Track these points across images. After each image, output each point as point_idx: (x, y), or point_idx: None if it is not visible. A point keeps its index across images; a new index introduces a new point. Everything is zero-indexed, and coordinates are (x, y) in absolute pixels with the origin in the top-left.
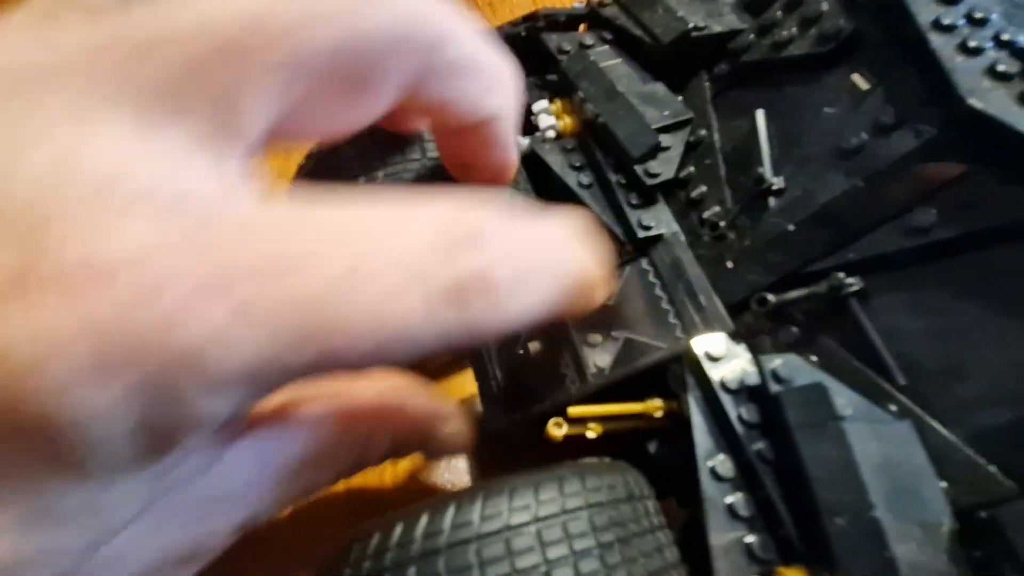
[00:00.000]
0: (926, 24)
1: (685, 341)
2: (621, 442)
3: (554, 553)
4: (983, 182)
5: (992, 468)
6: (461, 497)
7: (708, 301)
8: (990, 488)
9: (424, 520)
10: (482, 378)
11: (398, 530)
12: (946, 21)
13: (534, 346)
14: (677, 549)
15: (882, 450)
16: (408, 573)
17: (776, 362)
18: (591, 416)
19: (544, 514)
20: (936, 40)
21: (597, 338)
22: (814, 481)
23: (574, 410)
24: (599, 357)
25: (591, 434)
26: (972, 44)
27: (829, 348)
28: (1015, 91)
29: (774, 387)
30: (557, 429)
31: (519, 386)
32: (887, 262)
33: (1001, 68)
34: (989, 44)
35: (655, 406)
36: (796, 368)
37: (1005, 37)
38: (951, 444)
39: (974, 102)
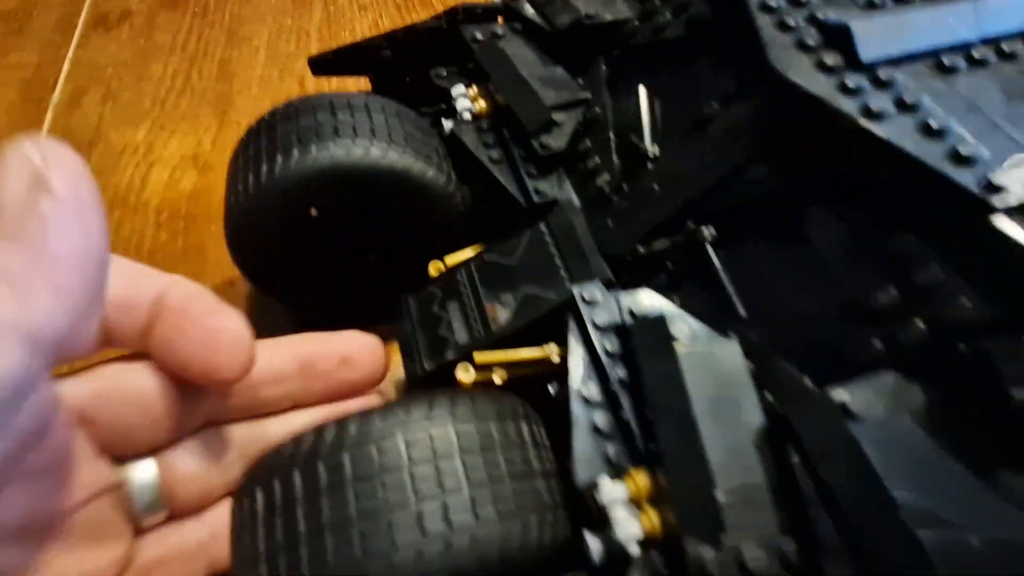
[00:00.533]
0: (755, 5)
1: (571, 291)
2: (530, 387)
3: (417, 454)
4: (806, 146)
5: (806, 379)
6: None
7: (592, 256)
8: (799, 394)
9: (331, 430)
10: (404, 341)
11: (309, 438)
12: (771, 3)
13: (446, 305)
14: (555, 465)
15: (709, 367)
16: (317, 467)
17: (629, 299)
18: (496, 362)
19: (411, 425)
20: (760, 19)
21: (501, 294)
22: (648, 394)
23: (480, 356)
24: (501, 311)
25: (497, 379)
26: (788, 22)
27: (690, 290)
28: (815, 60)
29: (627, 319)
30: (464, 374)
31: (433, 341)
32: (732, 213)
33: (808, 41)
34: (802, 21)
35: (552, 351)
36: (645, 303)
37: (817, 15)
38: (773, 359)
39: (781, 69)
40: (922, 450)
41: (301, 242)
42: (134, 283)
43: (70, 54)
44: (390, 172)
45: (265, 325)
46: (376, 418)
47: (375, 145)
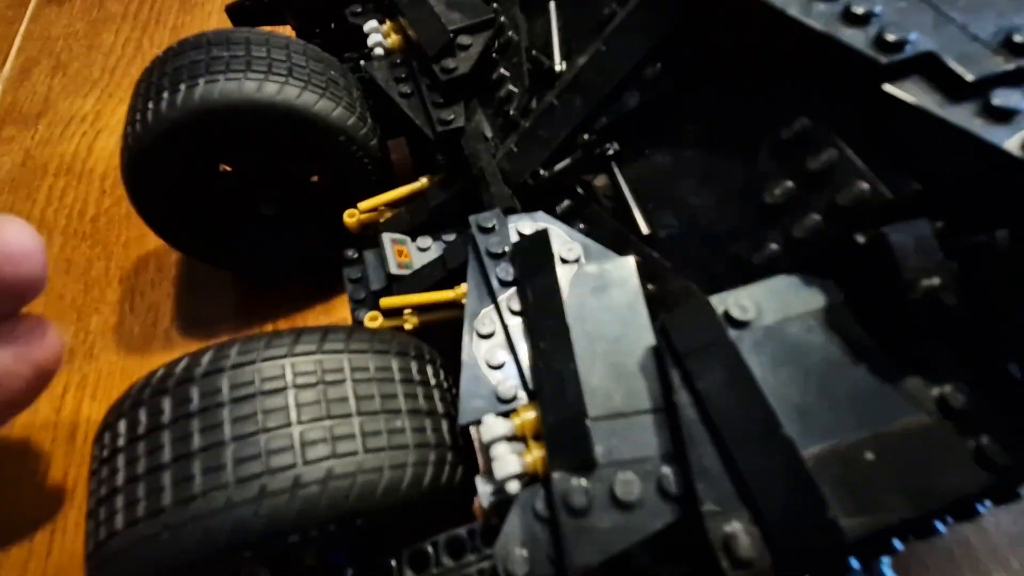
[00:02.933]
0: None
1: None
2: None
3: (303, 380)
4: (697, 36)
5: (696, 290)
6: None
7: (494, 183)
8: (682, 304)
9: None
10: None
11: (205, 357)
12: None
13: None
14: (453, 406)
15: (599, 286)
16: (190, 391)
17: (520, 220)
18: (404, 305)
19: (299, 351)
20: None
21: (415, 241)
22: (529, 318)
23: (386, 301)
24: (410, 251)
25: (408, 325)
26: None
27: (594, 212)
28: None
29: (514, 239)
30: (372, 322)
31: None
32: (633, 122)
33: None
34: None
35: (463, 292)
36: (535, 221)
37: None
38: (667, 273)
39: None
40: (817, 356)
41: (206, 189)
42: None
43: (22, 28)
44: (302, 113)
45: (207, 288)
46: (261, 342)
47: (290, 84)
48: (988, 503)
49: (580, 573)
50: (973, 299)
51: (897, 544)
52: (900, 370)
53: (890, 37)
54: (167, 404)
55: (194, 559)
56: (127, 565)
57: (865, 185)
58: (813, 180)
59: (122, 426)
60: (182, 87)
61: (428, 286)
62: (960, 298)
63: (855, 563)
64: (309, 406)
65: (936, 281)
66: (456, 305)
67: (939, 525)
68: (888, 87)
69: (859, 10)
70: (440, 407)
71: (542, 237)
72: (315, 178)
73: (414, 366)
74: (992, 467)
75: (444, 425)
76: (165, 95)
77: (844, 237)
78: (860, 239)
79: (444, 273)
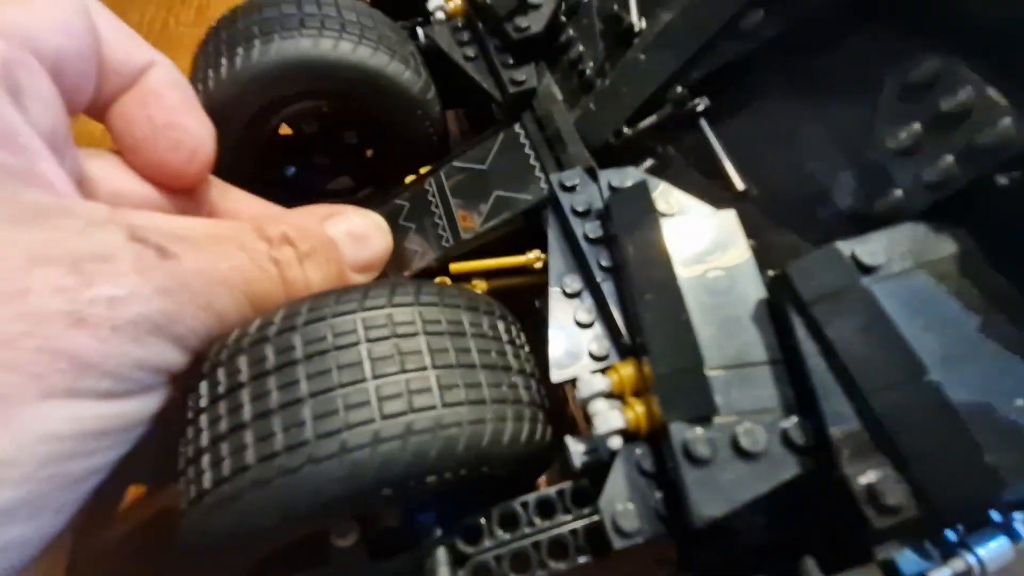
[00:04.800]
0: None
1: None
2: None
3: (375, 334)
4: None
5: (806, 243)
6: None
7: (572, 143)
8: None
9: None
10: None
11: (256, 322)
12: None
13: (416, 216)
14: (529, 363)
15: (702, 239)
16: (264, 349)
17: (610, 175)
18: (473, 271)
19: (369, 306)
20: None
21: (473, 200)
22: (630, 269)
23: (456, 266)
24: (474, 218)
25: (477, 291)
26: None
27: (682, 170)
28: None
29: (607, 194)
30: None
31: (399, 253)
32: (727, 76)
33: None
34: None
35: (535, 257)
36: (626, 176)
37: None
38: (779, 231)
39: None
40: (951, 307)
41: (267, 146)
42: (131, 40)
43: None
44: (359, 68)
45: None
46: (331, 298)
47: (344, 39)
48: None
49: (704, 523)
50: None
51: None
52: None
53: None
54: (243, 363)
55: (278, 517)
56: (218, 519)
57: (1008, 122)
58: (947, 121)
59: (203, 387)
60: (256, 43)
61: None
62: None
63: (995, 516)
64: (383, 360)
65: None
66: (526, 271)
67: None
68: None
69: None
70: (514, 363)
71: (641, 189)
72: (370, 152)
73: (485, 321)
74: None
75: (520, 381)
76: (224, 61)
77: (981, 180)
78: (1003, 181)
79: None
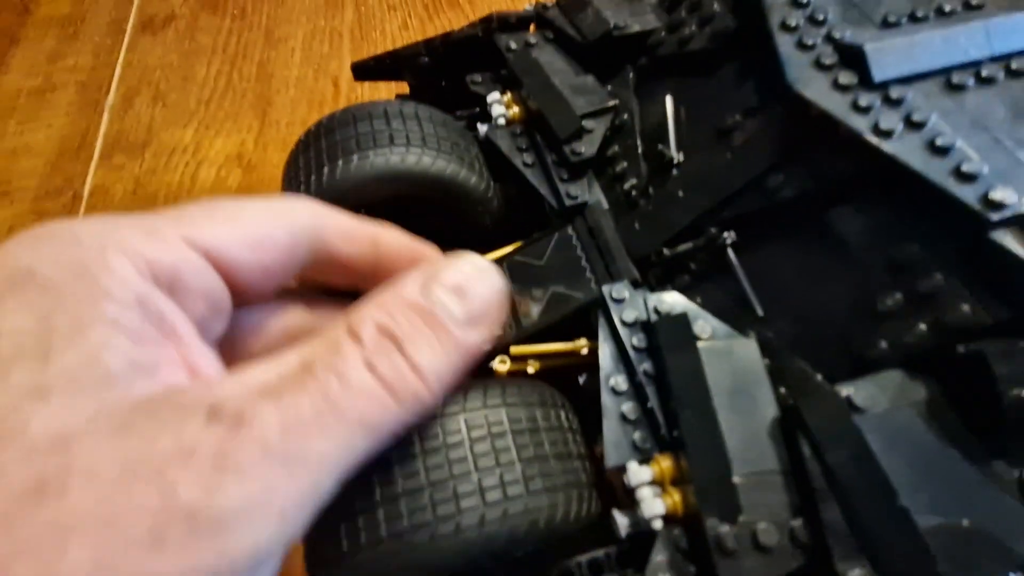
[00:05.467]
0: (776, 24)
1: (598, 290)
2: (561, 379)
3: (476, 433)
4: (820, 157)
5: (816, 374)
6: None
7: (620, 256)
8: (810, 388)
9: None
10: None
11: None
12: (791, 22)
13: None
14: (583, 446)
15: (728, 362)
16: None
17: (655, 298)
18: (530, 354)
19: (469, 408)
20: (780, 38)
21: (531, 292)
22: (672, 385)
23: (516, 348)
24: (532, 307)
25: (531, 369)
26: (806, 41)
27: (711, 291)
28: (831, 79)
29: (653, 317)
30: (502, 365)
31: None
32: (753, 219)
33: (825, 61)
34: (820, 40)
35: (581, 344)
36: (671, 302)
37: (835, 35)
38: (787, 356)
39: (799, 88)
40: (921, 441)
41: None
42: (354, 222)
43: (121, 57)
44: (437, 178)
45: None
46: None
47: (425, 153)
48: None
49: None
50: None
51: None
52: (988, 455)
53: (993, 196)
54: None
55: None
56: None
57: (967, 308)
58: (921, 298)
59: None
60: (354, 157)
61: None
62: None
63: None
64: (484, 456)
65: None
66: (572, 355)
67: None
68: (992, 235)
69: (967, 169)
70: (575, 449)
71: (684, 320)
72: (443, 231)
73: (552, 413)
74: None
75: (579, 464)
76: (325, 170)
77: (946, 345)
78: (961, 350)
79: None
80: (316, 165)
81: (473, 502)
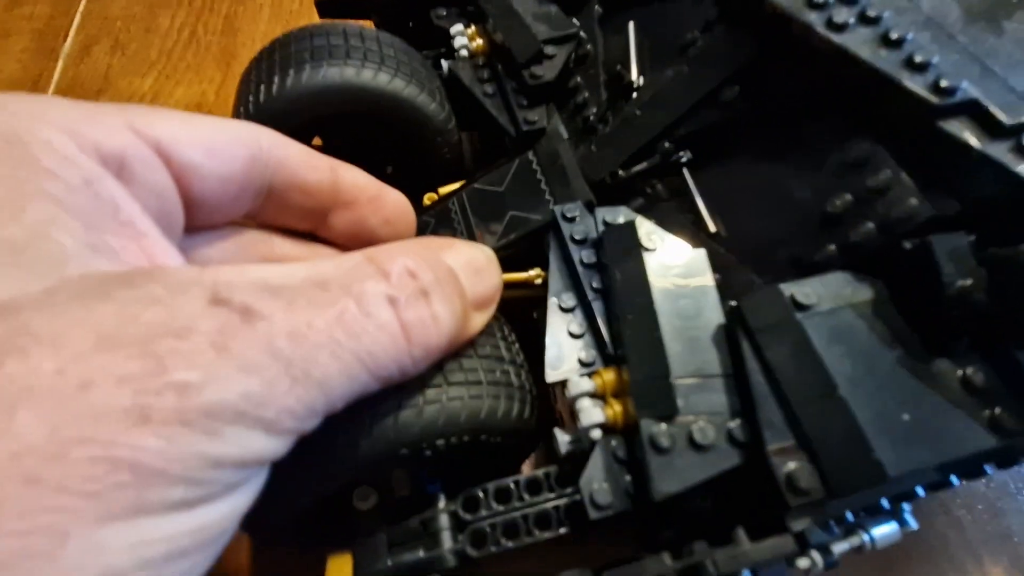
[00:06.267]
0: None
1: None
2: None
3: None
4: (774, 65)
5: (760, 281)
6: None
7: (575, 179)
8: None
9: None
10: None
11: None
12: None
13: (439, 231)
14: (519, 355)
15: (676, 271)
16: None
17: (605, 212)
18: None
19: None
20: None
21: (490, 219)
22: (616, 293)
23: None
24: (489, 237)
25: None
26: None
27: (666, 210)
28: None
29: (601, 228)
30: None
31: None
32: (708, 135)
33: None
34: None
35: (535, 274)
36: (619, 213)
37: None
38: (735, 267)
39: None
40: (864, 339)
41: None
42: (313, 151)
43: (81, 7)
44: (392, 97)
45: None
46: None
47: (383, 71)
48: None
49: (662, 497)
50: (997, 299)
51: (919, 491)
52: (932, 353)
53: (944, 84)
54: None
55: (315, 475)
56: None
57: (915, 202)
58: (870, 195)
59: None
60: (307, 67)
61: None
62: (986, 298)
63: (885, 504)
64: None
65: (968, 283)
66: (527, 285)
67: (954, 479)
68: (941, 124)
69: (919, 59)
70: (505, 354)
71: (630, 226)
72: (389, 170)
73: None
74: (1003, 431)
75: (511, 369)
76: (276, 79)
77: (893, 243)
78: (907, 245)
79: None
80: (267, 75)
81: (413, 399)
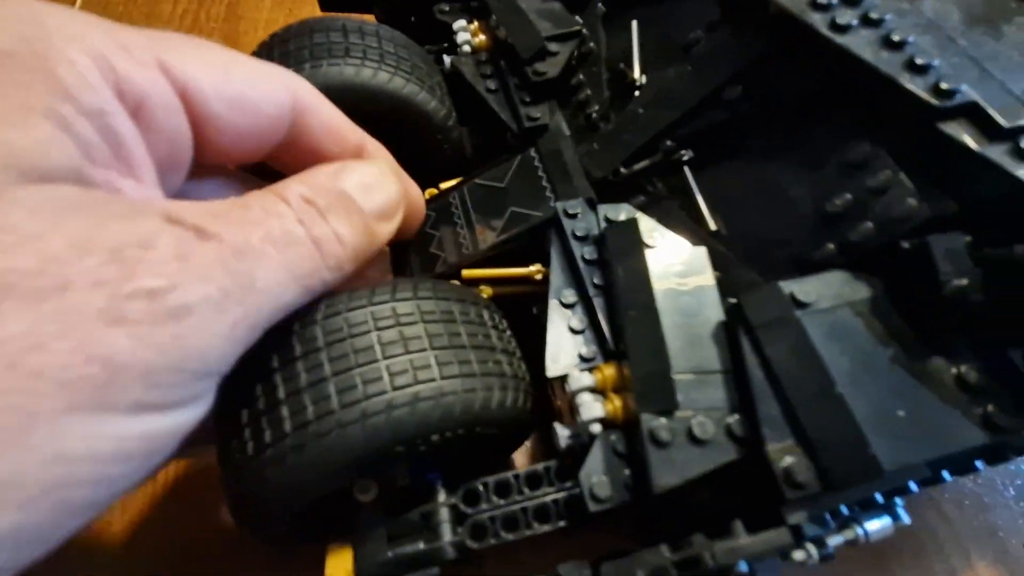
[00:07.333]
0: None
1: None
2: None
3: (383, 323)
4: (778, 66)
5: (760, 279)
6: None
7: (576, 176)
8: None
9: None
10: (396, 259)
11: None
12: None
13: (439, 225)
14: (511, 344)
15: (677, 268)
16: (291, 340)
17: (607, 209)
18: (482, 277)
19: (376, 301)
20: None
21: (491, 214)
22: (617, 290)
23: (467, 272)
24: (490, 233)
25: (484, 294)
26: None
27: (667, 208)
28: None
29: (603, 225)
30: None
31: (425, 258)
32: (711, 134)
33: None
34: None
35: (535, 269)
36: (620, 211)
37: None
38: (735, 264)
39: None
40: (862, 337)
41: None
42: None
43: None
44: (393, 96)
45: None
46: (344, 297)
47: (382, 69)
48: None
49: (661, 490)
50: (992, 299)
51: (913, 486)
52: (927, 351)
53: (944, 86)
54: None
55: (312, 474)
56: (260, 478)
57: (913, 202)
58: (870, 195)
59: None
60: (306, 67)
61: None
62: (982, 297)
63: (879, 498)
64: (391, 344)
65: (964, 282)
66: (527, 281)
67: (946, 475)
68: (941, 125)
69: (920, 61)
70: (498, 344)
71: (632, 223)
72: (400, 155)
73: (472, 310)
74: (995, 428)
75: (504, 359)
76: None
77: (892, 243)
78: (905, 245)
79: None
80: None
81: (379, 387)
